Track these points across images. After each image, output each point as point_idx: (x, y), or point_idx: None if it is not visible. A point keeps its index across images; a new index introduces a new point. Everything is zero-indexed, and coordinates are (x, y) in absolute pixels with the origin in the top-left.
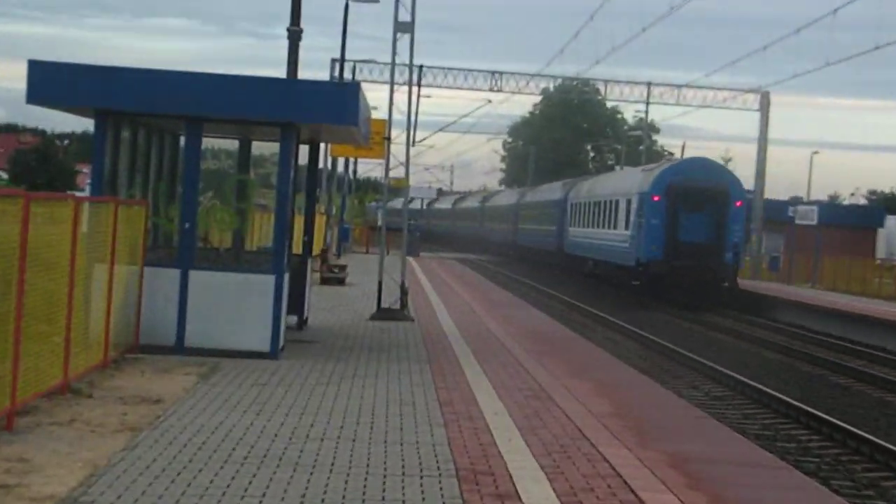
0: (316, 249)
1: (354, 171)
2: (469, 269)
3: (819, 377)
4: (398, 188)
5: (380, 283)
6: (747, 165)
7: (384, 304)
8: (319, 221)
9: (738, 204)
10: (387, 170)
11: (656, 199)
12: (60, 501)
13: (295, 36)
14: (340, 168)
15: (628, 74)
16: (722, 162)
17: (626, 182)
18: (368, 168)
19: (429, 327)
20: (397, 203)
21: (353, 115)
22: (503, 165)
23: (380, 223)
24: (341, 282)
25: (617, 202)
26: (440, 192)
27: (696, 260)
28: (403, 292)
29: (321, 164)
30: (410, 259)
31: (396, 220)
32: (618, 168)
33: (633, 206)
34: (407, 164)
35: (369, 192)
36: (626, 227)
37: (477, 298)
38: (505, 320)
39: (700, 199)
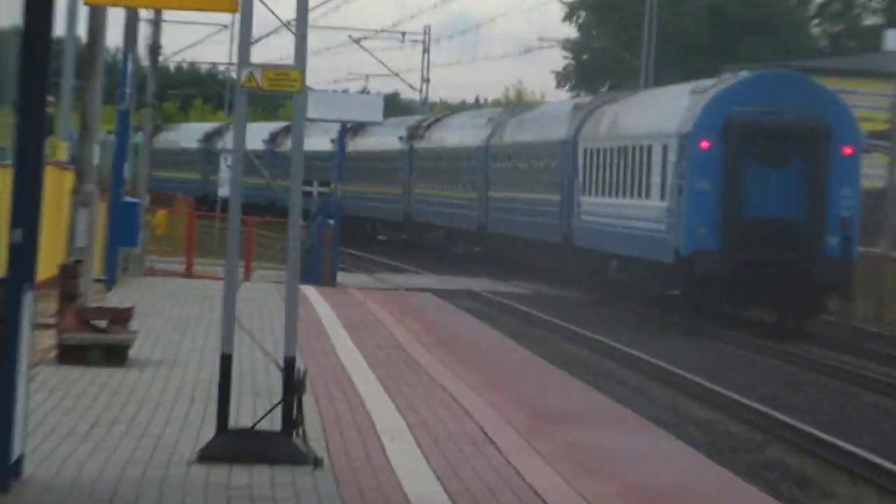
0: (47, 268)
1: (153, 50)
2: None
3: None
4: (276, 92)
5: (225, 361)
6: None
7: (236, 420)
8: (57, 186)
9: (848, 151)
10: (243, 41)
11: (705, 145)
12: None
13: None
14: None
15: None
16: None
17: (660, 112)
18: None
19: (368, 487)
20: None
21: None
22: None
23: (223, 192)
24: (118, 355)
25: (647, 149)
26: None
27: (776, 251)
28: (295, 389)
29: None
30: (311, 292)
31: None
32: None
33: (671, 157)
34: (301, 21)
35: (211, 108)
36: (662, 196)
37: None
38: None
39: (781, 145)
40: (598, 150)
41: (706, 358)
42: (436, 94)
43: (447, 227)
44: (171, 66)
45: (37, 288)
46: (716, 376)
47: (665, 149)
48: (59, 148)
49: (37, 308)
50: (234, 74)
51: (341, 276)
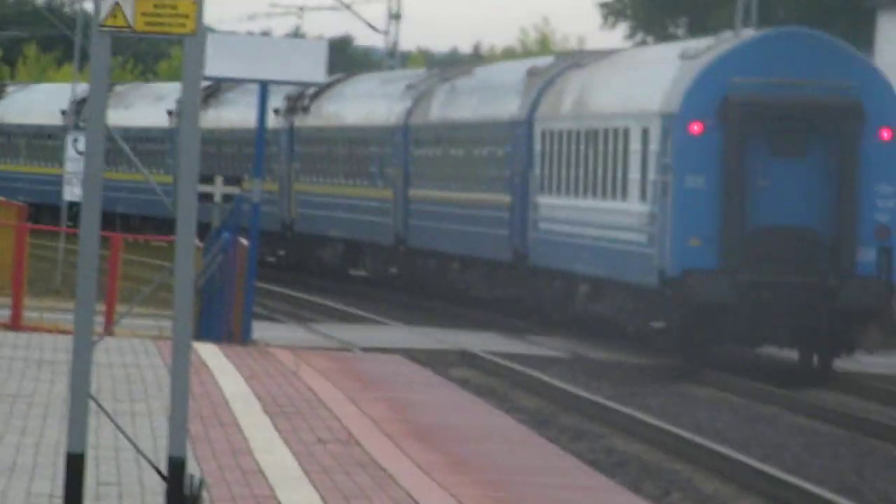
0: None
1: None
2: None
3: None
4: (155, 36)
5: (74, 465)
6: None
7: None
8: None
9: (887, 135)
10: None
11: (698, 129)
12: None
13: None
14: None
15: None
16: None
17: (640, 83)
18: None
19: None
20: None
21: None
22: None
23: (71, 194)
24: None
25: (624, 133)
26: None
27: (794, 269)
28: None
29: None
30: (212, 354)
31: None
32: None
33: (653, 145)
34: None
35: (51, 59)
36: (642, 197)
37: None
38: None
39: (796, 128)
40: (561, 134)
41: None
42: (411, 39)
43: (346, 241)
44: None
45: None
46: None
47: (645, 133)
48: None
49: None
50: (88, 7)
51: (259, 328)
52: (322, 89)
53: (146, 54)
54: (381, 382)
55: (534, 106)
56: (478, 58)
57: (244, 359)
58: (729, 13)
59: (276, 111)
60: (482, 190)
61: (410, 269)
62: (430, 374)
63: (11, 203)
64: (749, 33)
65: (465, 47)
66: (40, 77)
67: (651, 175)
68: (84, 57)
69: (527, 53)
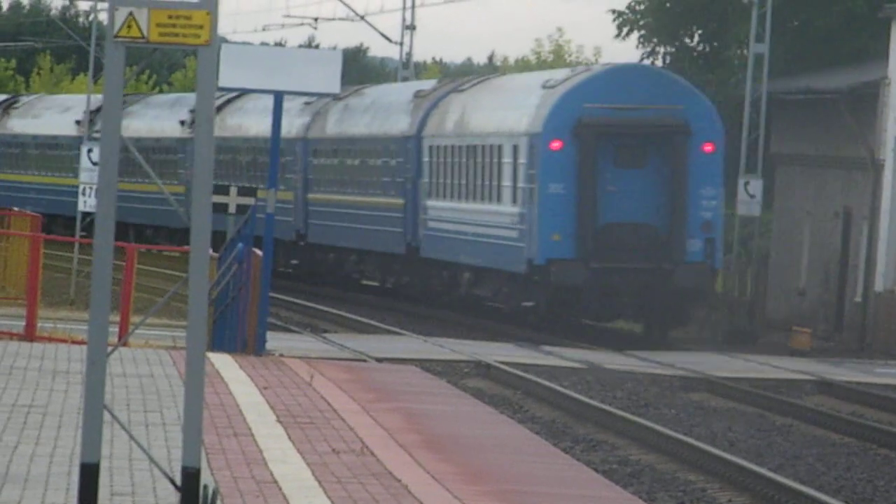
0: None
1: None
2: None
3: None
4: (170, 46)
5: (88, 475)
6: None
7: None
8: None
9: (709, 148)
10: None
11: (557, 145)
12: None
13: None
14: None
15: None
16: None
17: (510, 108)
18: None
19: None
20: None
21: None
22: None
23: (86, 204)
24: None
25: (498, 149)
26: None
27: (636, 257)
28: None
29: None
30: (226, 364)
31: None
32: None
33: (521, 159)
34: None
35: (66, 69)
36: (513, 201)
37: None
38: None
39: (636, 143)
40: (446, 148)
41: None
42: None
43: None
44: (4, 3)
45: None
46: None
47: (515, 149)
48: None
49: None
50: (102, 18)
51: (273, 339)
52: (224, 104)
53: (161, 65)
54: (396, 393)
55: (422, 124)
56: (492, 68)
57: (258, 369)
58: (741, 27)
59: (183, 123)
60: (378, 194)
61: (310, 260)
62: (445, 384)
63: (26, 213)
64: (598, 67)
65: (480, 58)
66: (54, 88)
67: (520, 183)
68: (98, 67)
69: (541, 64)
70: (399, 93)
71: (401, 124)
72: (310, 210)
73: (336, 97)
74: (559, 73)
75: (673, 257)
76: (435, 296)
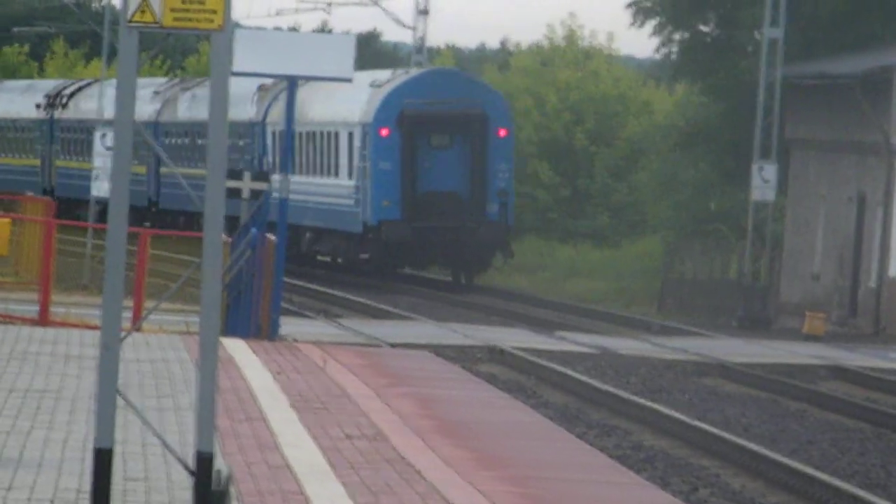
0: None
1: None
2: None
3: None
4: (183, 31)
5: (101, 460)
6: None
7: None
8: None
9: (503, 133)
10: None
11: (385, 132)
12: None
13: None
14: None
15: None
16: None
17: (343, 103)
18: None
19: None
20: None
21: None
22: None
23: (99, 189)
24: None
25: (335, 135)
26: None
27: (446, 217)
28: None
29: None
30: (239, 349)
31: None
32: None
33: (356, 143)
34: None
35: (79, 54)
36: (349, 176)
37: None
38: None
39: (446, 130)
40: (294, 135)
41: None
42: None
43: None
44: None
45: None
46: None
47: (351, 136)
48: None
49: None
50: (116, 3)
51: (287, 324)
52: (78, 90)
53: (174, 50)
54: (409, 378)
55: (266, 113)
56: (506, 53)
57: (272, 354)
58: (755, 13)
59: (38, 106)
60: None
61: (161, 223)
62: (458, 369)
63: (39, 199)
64: (414, 70)
65: (493, 43)
66: (68, 73)
67: (356, 162)
68: (112, 52)
69: (554, 50)
70: (243, 86)
71: (248, 112)
72: (161, 182)
73: (183, 87)
74: (383, 75)
75: (476, 218)
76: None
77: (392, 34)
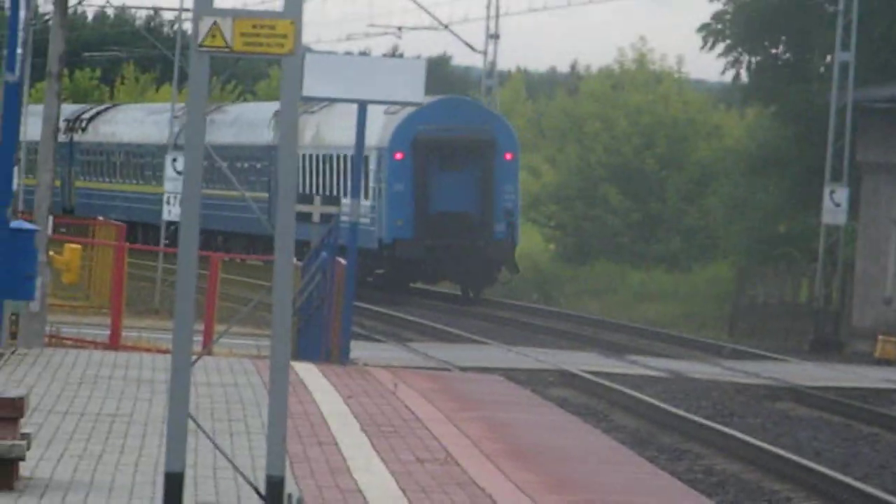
0: None
1: None
2: None
3: None
4: (254, 55)
5: (172, 484)
6: None
7: None
8: None
9: (508, 157)
10: None
11: (399, 156)
12: None
13: None
14: None
15: None
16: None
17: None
18: None
19: None
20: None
21: None
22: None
23: (170, 213)
24: (2, 472)
25: (351, 158)
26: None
27: (456, 236)
28: None
29: None
30: (310, 373)
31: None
32: None
33: (372, 166)
34: None
35: (150, 78)
36: (366, 197)
37: None
38: None
39: (457, 154)
40: (304, 157)
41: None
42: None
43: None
44: (89, 13)
45: None
46: None
47: (367, 159)
48: None
49: None
50: (187, 28)
51: (357, 348)
52: (97, 114)
53: (245, 74)
54: (480, 402)
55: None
56: (576, 77)
57: (342, 378)
58: (826, 38)
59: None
60: (246, 189)
61: (203, 245)
62: (529, 393)
63: (111, 222)
64: (428, 99)
65: (563, 67)
66: (139, 98)
67: (371, 183)
68: (183, 77)
69: (624, 73)
70: (258, 111)
71: (264, 137)
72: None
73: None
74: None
75: (483, 236)
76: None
77: (462, 58)
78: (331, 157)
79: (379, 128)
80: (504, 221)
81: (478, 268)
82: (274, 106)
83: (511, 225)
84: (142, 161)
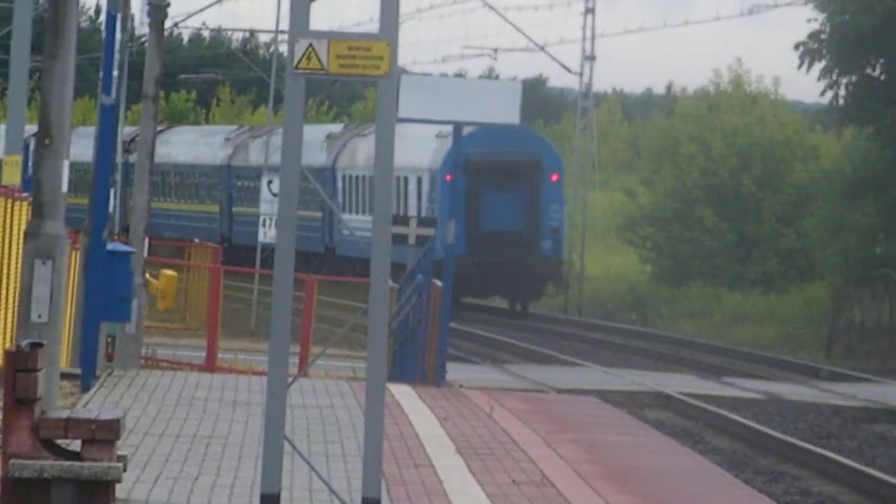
0: None
1: (156, 10)
2: None
3: None
4: (350, 77)
5: None
6: None
7: None
8: (1, 225)
9: (555, 178)
10: None
11: (450, 178)
12: None
13: None
14: None
15: None
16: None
17: (412, 151)
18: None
19: None
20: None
21: None
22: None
23: (266, 235)
24: (98, 494)
25: (405, 180)
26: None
27: (505, 253)
28: None
29: None
30: (406, 395)
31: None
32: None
33: (425, 187)
34: None
35: (246, 101)
36: (419, 215)
37: None
38: None
39: (505, 176)
40: (357, 178)
41: None
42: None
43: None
44: (185, 35)
45: None
46: None
47: (420, 180)
48: (9, 165)
49: None
50: (282, 50)
51: (453, 370)
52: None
53: (341, 96)
54: (576, 424)
55: (335, 159)
56: (671, 99)
57: (438, 400)
58: None
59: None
60: (300, 208)
61: (235, 260)
62: (625, 415)
63: (207, 245)
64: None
65: (659, 88)
66: (235, 119)
67: (424, 203)
68: (279, 99)
69: (720, 94)
70: (313, 133)
71: (319, 158)
72: (234, 219)
73: (252, 135)
74: (447, 127)
75: (531, 253)
76: (352, 285)
77: (558, 80)
78: None
79: (431, 150)
80: (550, 239)
81: (525, 283)
82: (326, 128)
83: (557, 242)
84: (196, 181)
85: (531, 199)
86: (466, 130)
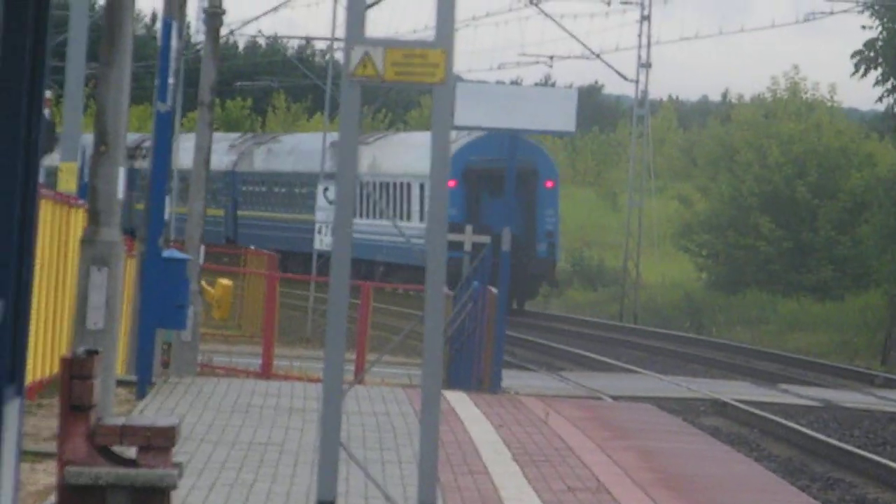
0: (43, 363)
1: (212, 18)
2: None
3: None
4: (405, 84)
5: None
6: None
7: None
8: (58, 232)
9: (549, 184)
10: (355, 3)
11: (453, 184)
12: None
13: None
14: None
15: None
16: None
17: (413, 158)
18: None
19: None
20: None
21: None
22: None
23: (322, 242)
24: (154, 501)
25: (407, 186)
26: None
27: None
28: None
29: None
30: (462, 402)
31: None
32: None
33: (427, 192)
34: None
35: (302, 108)
36: (421, 220)
37: None
38: None
39: (503, 182)
40: (361, 184)
41: None
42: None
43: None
44: (241, 43)
45: (27, 395)
46: None
47: (422, 186)
48: (65, 172)
49: (26, 426)
50: (338, 57)
51: (508, 377)
52: (257, 144)
53: (396, 103)
54: (631, 431)
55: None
56: (728, 106)
57: (494, 407)
58: None
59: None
60: (304, 212)
61: (237, 261)
62: (680, 422)
63: (262, 252)
64: (476, 132)
65: (715, 95)
66: (290, 127)
67: (426, 208)
68: (335, 106)
69: (777, 102)
70: (315, 141)
71: (326, 164)
72: (238, 223)
73: (257, 142)
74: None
75: (527, 255)
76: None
77: (614, 87)
78: (388, 184)
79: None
80: (545, 241)
81: (522, 283)
82: (330, 136)
83: (551, 245)
84: (295, 191)
85: (527, 204)
86: (466, 139)
